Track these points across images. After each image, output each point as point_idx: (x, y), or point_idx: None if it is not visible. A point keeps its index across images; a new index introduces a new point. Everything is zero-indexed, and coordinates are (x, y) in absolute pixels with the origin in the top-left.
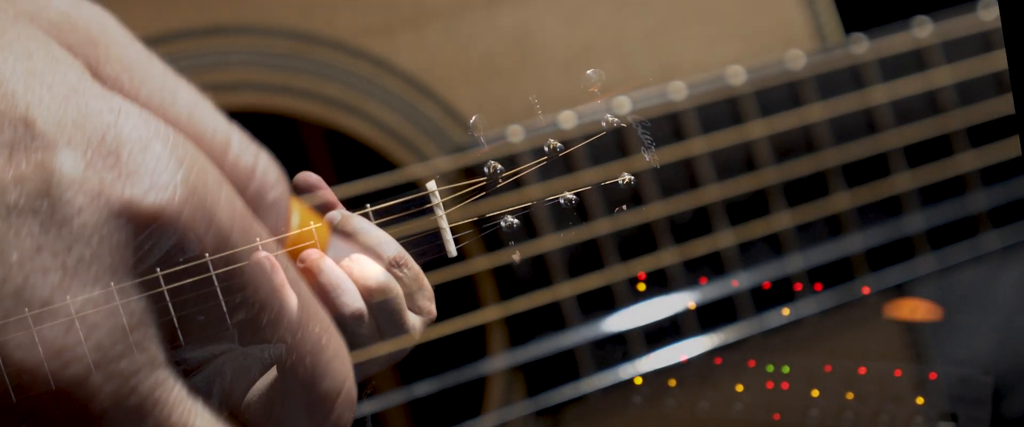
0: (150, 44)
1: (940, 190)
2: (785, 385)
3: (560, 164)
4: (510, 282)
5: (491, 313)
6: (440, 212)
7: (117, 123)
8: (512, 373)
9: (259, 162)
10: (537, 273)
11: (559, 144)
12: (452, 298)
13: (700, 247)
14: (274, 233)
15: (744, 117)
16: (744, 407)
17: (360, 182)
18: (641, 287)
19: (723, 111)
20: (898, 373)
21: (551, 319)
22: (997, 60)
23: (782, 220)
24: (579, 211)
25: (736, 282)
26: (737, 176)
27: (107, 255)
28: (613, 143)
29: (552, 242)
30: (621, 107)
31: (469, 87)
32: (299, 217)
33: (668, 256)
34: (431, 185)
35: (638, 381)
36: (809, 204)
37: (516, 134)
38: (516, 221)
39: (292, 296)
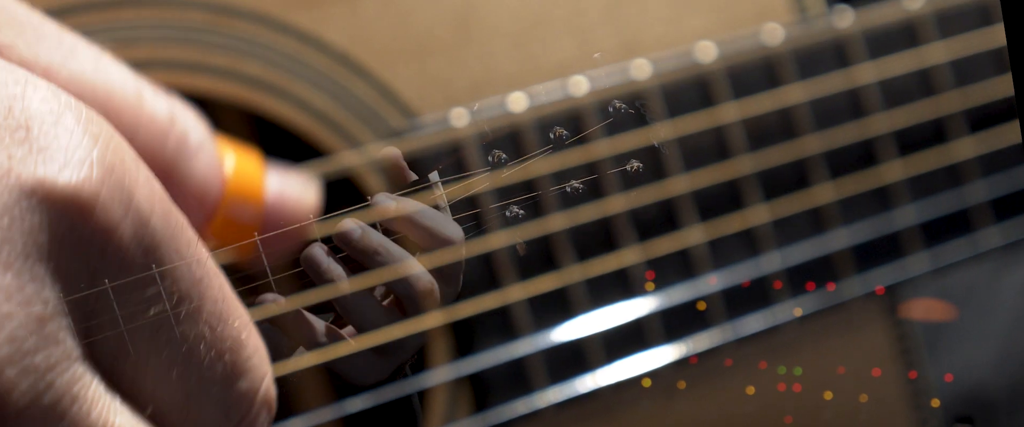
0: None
1: (934, 180)
2: (797, 387)
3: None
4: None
5: (435, 318)
6: (443, 203)
7: (24, 95)
8: (457, 386)
9: (175, 108)
10: (485, 274)
11: (565, 132)
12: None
13: (665, 245)
14: (209, 177)
15: (714, 99)
16: (756, 409)
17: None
18: (650, 286)
19: (691, 92)
20: (912, 375)
21: (501, 325)
22: (997, 35)
23: (757, 215)
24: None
25: (711, 281)
26: (707, 165)
27: (19, 238)
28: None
29: (500, 239)
30: (578, 87)
31: (407, 65)
32: (235, 159)
33: (630, 255)
34: (433, 176)
35: (646, 383)
36: (787, 197)
37: (460, 118)
38: (521, 211)
39: (213, 288)
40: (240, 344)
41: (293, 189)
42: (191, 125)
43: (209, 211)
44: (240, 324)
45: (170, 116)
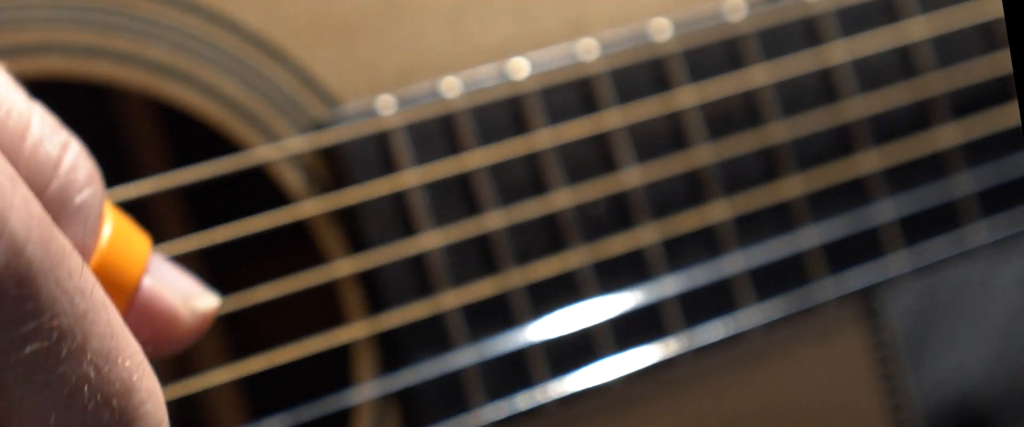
0: None
1: (915, 171)
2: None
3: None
4: (382, 291)
5: (359, 329)
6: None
7: None
8: (385, 403)
9: (66, 153)
10: (413, 280)
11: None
12: (311, 311)
13: (617, 245)
14: (79, 245)
15: (671, 82)
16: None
17: (194, 168)
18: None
19: (645, 75)
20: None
21: (434, 336)
22: (984, 8)
23: (718, 211)
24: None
25: (665, 287)
26: (662, 156)
27: None
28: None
29: (432, 240)
30: (518, 71)
31: (329, 47)
32: (113, 227)
33: (575, 257)
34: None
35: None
36: (752, 191)
37: (387, 106)
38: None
39: (99, 324)
40: (130, 388)
41: (174, 291)
42: (79, 182)
43: None
44: (132, 365)
45: (55, 163)
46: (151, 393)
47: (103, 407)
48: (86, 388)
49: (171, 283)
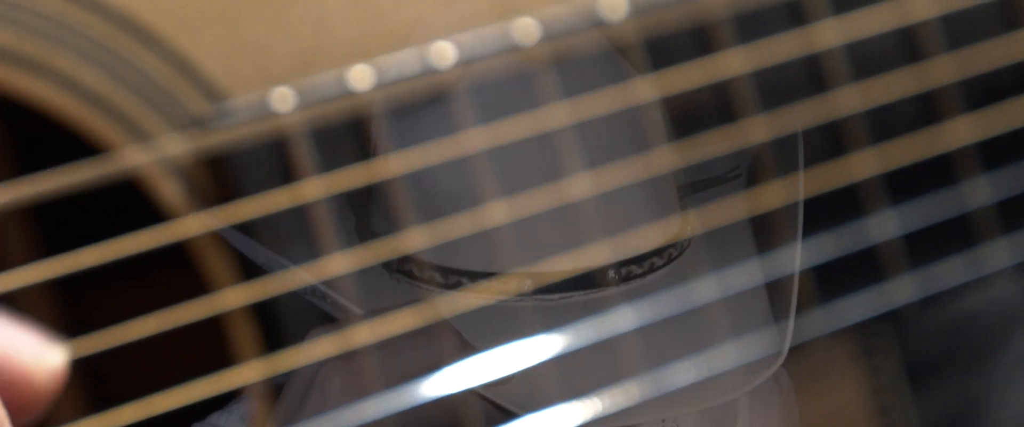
0: None
1: (920, 176)
2: None
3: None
4: (280, 325)
5: (252, 371)
6: None
7: None
8: None
9: None
10: (318, 311)
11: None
12: (192, 350)
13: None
14: None
15: (627, 71)
16: None
17: (50, 174)
18: None
19: (596, 64)
20: None
21: None
22: None
23: (688, 225)
24: None
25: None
26: (620, 158)
27: None
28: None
29: (341, 263)
30: (442, 57)
31: (211, 30)
32: None
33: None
34: None
35: None
36: (725, 199)
37: (284, 100)
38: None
39: None
40: None
41: (24, 351)
42: None
43: None
44: None
45: None
46: None
47: None
48: None
49: (17, 343)
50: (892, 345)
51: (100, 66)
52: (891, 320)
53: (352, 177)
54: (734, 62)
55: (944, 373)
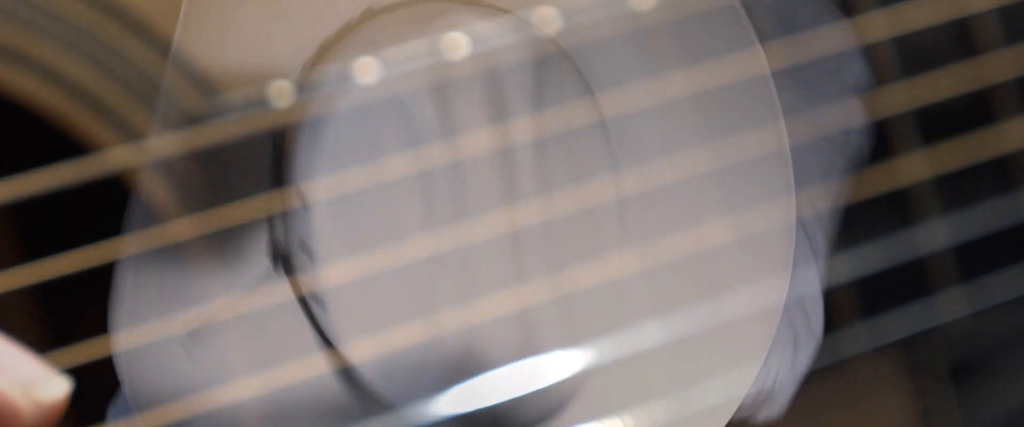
0: None
1: (974, 182)
2: None
3: None
4: None
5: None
6: None
7: None
8: None
9: None
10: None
11: None
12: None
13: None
14: None
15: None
16: None
17: (26, 177)
18: None
19: (627, 53)
20: None
21: None
22: None
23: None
24: None
25: None
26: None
27: None
28: None
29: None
30: (454, 47)
31: (206, 18)
32: None
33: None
34: None
35: None
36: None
37: (283, 94)
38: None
39: None
40: None
41: (10, 378)
42: None
43: None
44: None
45: None
46: None
47: None
48: None
49: (6, 367)
50: (943, 364)
51: (86, 56)
52: (942, 337)
53: (361, 180)
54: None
55: (998, 395)
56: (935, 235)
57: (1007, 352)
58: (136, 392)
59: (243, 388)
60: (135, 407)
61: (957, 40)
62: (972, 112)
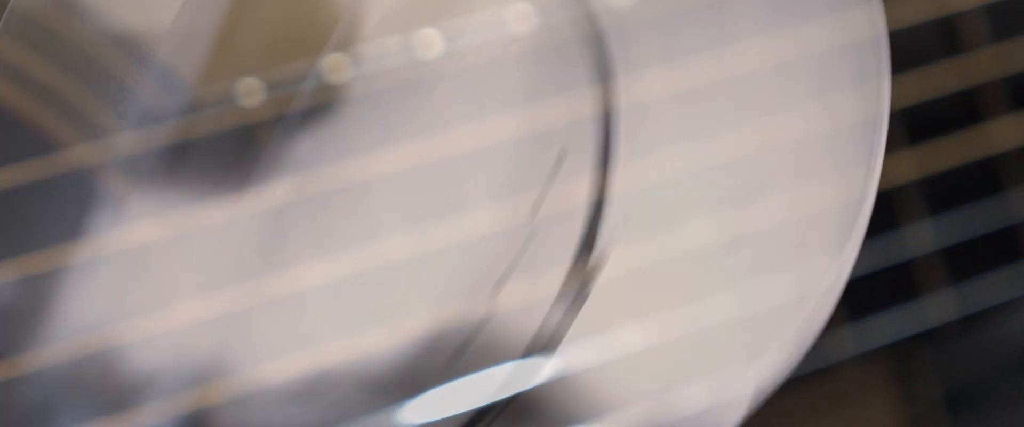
0: None
1: (961, 183)
2: None
3: None
4: None
5: None
6: None
7: None
8: None
9: None
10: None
11: None
12: None
13: None
14: None
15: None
16: None
17: None
18: None
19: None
20: None
21: None
22: None
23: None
24: None
25: None
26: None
27: None
28: None
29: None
30: (428, 45)
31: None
32: None
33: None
34: None
35: None
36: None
37: (252, 92)
38: None
39: None
40: None
41: None
42: None
43: None
44: None
45: None
46: None
47: None
48: None
49: None
50: (931, 369)
51: (44, 51)
52: (930, 341)
53: (333, 181)
54: None
55: (987, 401)
56: (922, 238)
57: (997, 363)
58: None
59: None
60: None
61: (943, 39)
62: (959, 112)
